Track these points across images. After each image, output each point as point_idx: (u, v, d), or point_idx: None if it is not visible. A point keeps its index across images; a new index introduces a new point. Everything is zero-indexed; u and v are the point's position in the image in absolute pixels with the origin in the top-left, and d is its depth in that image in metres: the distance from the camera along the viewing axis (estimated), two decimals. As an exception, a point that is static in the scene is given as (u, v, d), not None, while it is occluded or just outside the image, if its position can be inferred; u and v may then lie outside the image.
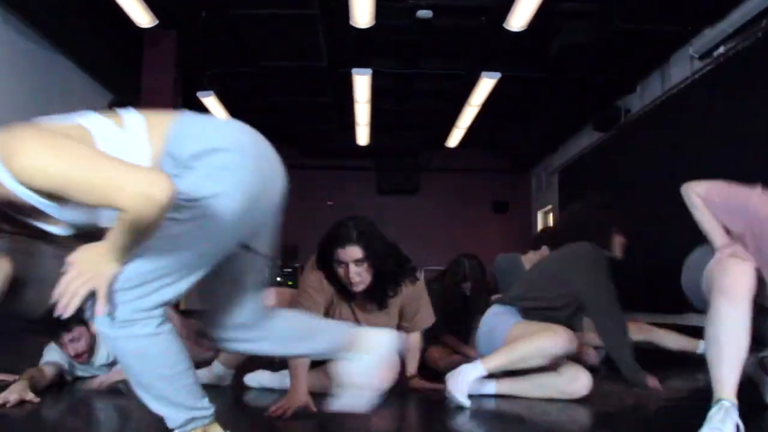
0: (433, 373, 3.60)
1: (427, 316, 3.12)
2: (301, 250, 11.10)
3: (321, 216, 12.59)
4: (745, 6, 5.64)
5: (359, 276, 2.61)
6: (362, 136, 10.69)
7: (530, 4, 6.04)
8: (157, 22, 6.42)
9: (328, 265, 2.68)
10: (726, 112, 5.92)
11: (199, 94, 8.61)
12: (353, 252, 2.58)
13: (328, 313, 2.79)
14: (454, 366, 3.69)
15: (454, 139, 11.00)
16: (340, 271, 2.63)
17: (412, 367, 3.09)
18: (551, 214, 12.12)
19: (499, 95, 8.89)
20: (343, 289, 2.72)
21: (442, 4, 6.73)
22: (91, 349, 3.22)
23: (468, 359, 3.74)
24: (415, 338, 3.14)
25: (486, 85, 8.24)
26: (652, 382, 2.88)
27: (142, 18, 6.29)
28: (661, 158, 7.21)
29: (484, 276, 4.45)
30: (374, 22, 6.40)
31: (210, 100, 8.79)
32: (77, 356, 3.17)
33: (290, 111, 9.47)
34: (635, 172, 7.87)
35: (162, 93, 7.28)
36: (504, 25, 6.48)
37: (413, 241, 13.63)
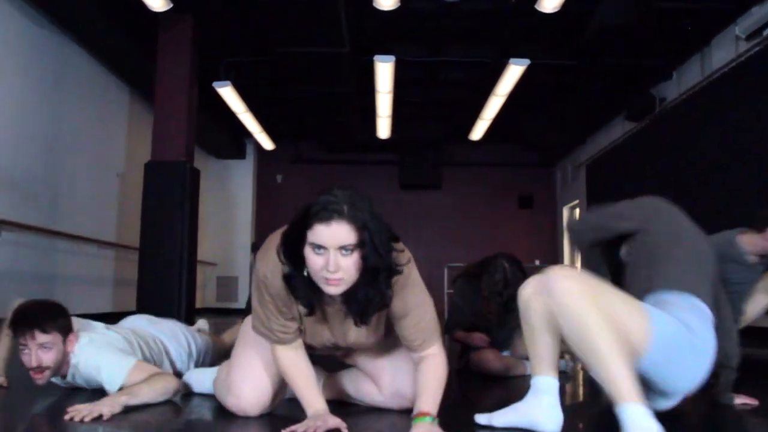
0: (480, 379, 3.21)
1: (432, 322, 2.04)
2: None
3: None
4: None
5: (342, 271, 1.73)
6: (383, 128, 10.36)
7: (565, -18, 5.70)
8: (171, 5, 6.13)
9: (294, 253, 1.79)
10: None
11: (215, 84, 8.33)
12: (341, 232, 1.70)
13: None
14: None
15: (478, 132, 10.63)
16: (315, 260, 1.73)
17: (425, 403, 1.90)
18: (578, 210, 11.74)
19: (525, 85, 8.52)
20: (305, 291, 1.86)
21: (471, -16, 6.39)
22: (57, 368, 2.42)
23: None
24: (435, 362, 2.01)
25: (513, 72, 7.87)
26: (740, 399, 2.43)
27: (156, 1, 6.01)
28: (699, 151, 6.83)
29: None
30: (399, 4, 6.06)
31: (226, 91, 8.50)
32: (36, 371, 2.35)
33: (310, 102, 9.17)
34: (670, 166, 7.50)
35: (178, 80, 6.99)
36: (536, 7, 6.12)
37: (436, 238, 13.46)
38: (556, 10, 6.15)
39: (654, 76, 7.82)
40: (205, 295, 12.01)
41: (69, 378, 2.52)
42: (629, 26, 6.48)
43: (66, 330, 2.40)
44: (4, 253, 5.84)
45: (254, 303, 1.99)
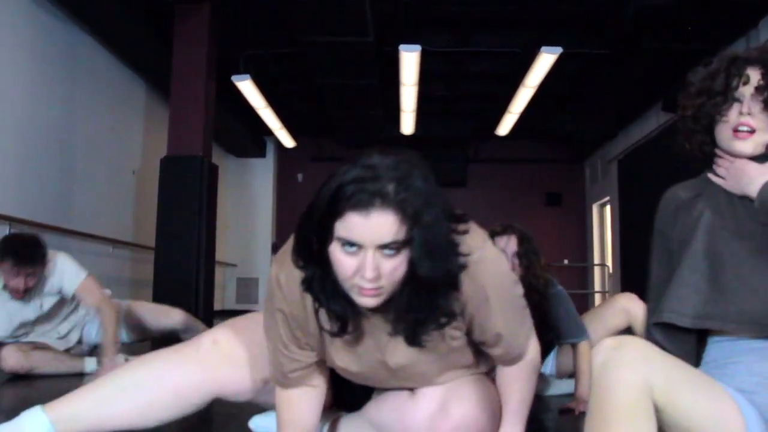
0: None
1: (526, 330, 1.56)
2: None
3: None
4: None
5: (384, 278, 1.24)
6: (407, 124, 10.03)
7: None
8: (187, -7, 5.86)
9: (315, 254, 1.29)
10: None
11: (234, 78, 8.04)
12: (384, 225, 1.19)
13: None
14: None
15: (505, 127, 10.26)
16: (345, 262, 1.23)
17: (509, 423, 1.57)
18: (608, 207, 11.33)
19: (556, 76, 8.15)
20: (334, 302, 1.34)
21: (502, -35, 6.05)
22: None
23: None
24: (527, 362, 1.59)
25: (545, 61, 7.49)
26: None
27: (171, -13, 5.74)
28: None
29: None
30: (426, -13, 5.74)
31: (246, 85, 8.20)
32: (18, 292, 3.24)
33: (332, 96, 8.85)
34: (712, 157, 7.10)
35: (194, 73, 6.72)
36: (571, -13, 5.77)
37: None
38: (593, -9, 5.80)
39: (694, 61, 7.40)
40: (225, 297, 11.75)
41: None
42: (669, 7, 6.11)
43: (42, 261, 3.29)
44: (14, 252, 5.58)
45: (264, 328, 1.52)
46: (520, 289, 1.52)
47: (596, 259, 12.09)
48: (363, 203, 1.17)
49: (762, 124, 1.48)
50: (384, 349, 1.44)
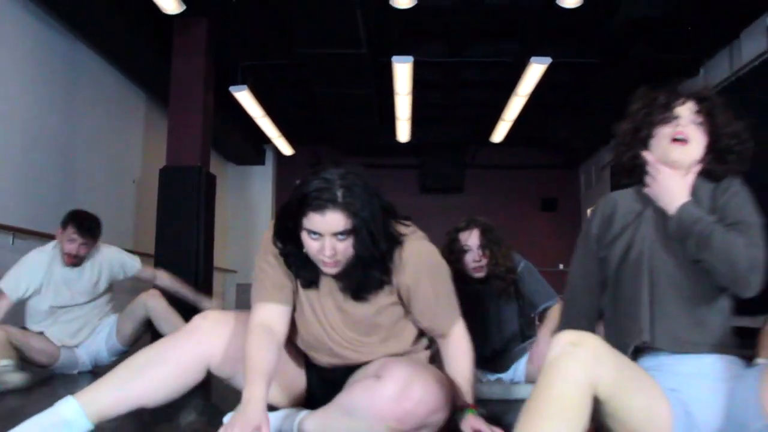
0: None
1: (451, 308, 1.98)
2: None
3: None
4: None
5: (339, 254, 1.76)
6: (403, 131, 10.21)
7: (587, -25, 5.50)
8: (184, 8, 6.03)
9: (291, 235, 1.83)
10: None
11: (231, 88, 8.22)
12: (335, 220, 1.71)
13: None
14: None
15: (499, 134, 10.43)
16: (312, 244, 1.76)
17: (468, 395, 1.91)
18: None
19: (547, 84, 8.33)
20: (303, 270, 1.89)
21: (490, -21, 6.23)
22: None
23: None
24: (458, 342, 1.98)
25: (535, 71, 7.67)
26: None
27: (169, 4, 5.91)
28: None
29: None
30: (416, 2, 5.90)
31: (243, 95, 8.38)
32: (71, 257, 3.77)
33: (329, 105, 9.02)
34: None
35: (192, 84, 6.90)
36: (557, 2, 5.93)
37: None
38: (578, 4, 5.95)
39: (680, 72, 7.57)
40: (225, 303, 11.89)
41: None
42: (655, 19, 6.28)
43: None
44: (17, 260, 5.75)
45: (256, 266, 2.00)
46: (445, 274, 1.95)
47: (591, 264, 12.23)
48: (320, 207, 1.70)
49: (694, 139, 1.67)
50: (341, 304, 1.91)
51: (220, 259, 9.11)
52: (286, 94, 9.66)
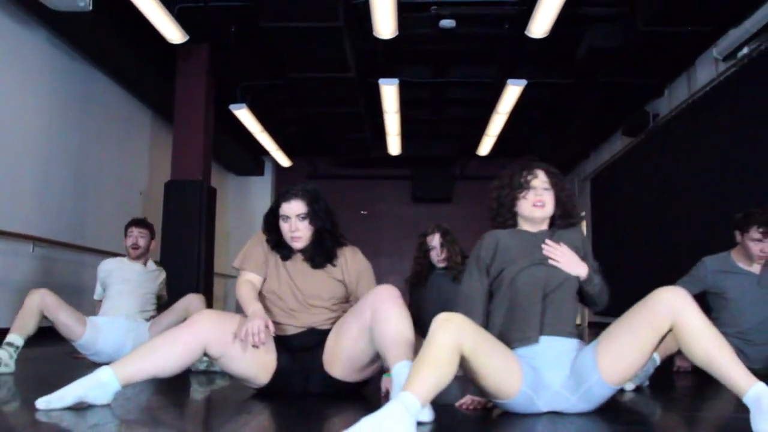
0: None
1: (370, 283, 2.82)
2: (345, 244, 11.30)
3: (356, 225, 12.87)
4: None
5: (300, 231, 2.68)
6: (394, 146, 10.83)
7: (550, 11, 6.08)
8: (187, 38, 6.64)
9: (274, 223, 2.76)
10: (752, 114, 5.89)
11: (231, 107, 8.86)
12: (297, 206, 2.68)
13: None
14: None
15: (485, 148, 11.05)
16: (284, 226, 2.70)
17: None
18: (584, 222, 12.06)
19: (528, 102, 8.97)
20: (281, 248, 2.77)
21: (464, 12, 6.85)
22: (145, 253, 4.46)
23: None
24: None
25: (512, 92, 8.29)
26: None
27: (173, 34, 6.52)
28: (689, 163, 7.18)
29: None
30: (397, 33, 6.51)
31: (243, 113, 9.02)
32: (135, 248, 4.38)
33: (323, 121, 9.63)
34: (666, 178, 7.85)
35: (195, 105, 7.54)
36: (526, 33, 6.53)
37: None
38: (545, 35, 6.55)
39: (647, 93, 8.18)
40: (226, 307, 12.49)
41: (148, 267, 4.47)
42: (616, 49, 6.89)
43: (152, 236, 4.51)
44: (37, 266, 6.39)
45: (247, 245, 2.84)
46: (367, 265, 2.87)
47: (575, 271, 12.79)
48: (287, 198, 2.71)
49: (548, 202, 2.43)
50: (305, 271, 2.75)
51: (221, 264, 9.71)
52: (282, 111, 10.29)
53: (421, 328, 2.59)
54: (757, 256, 3.62)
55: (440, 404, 2.14)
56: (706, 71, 6.91)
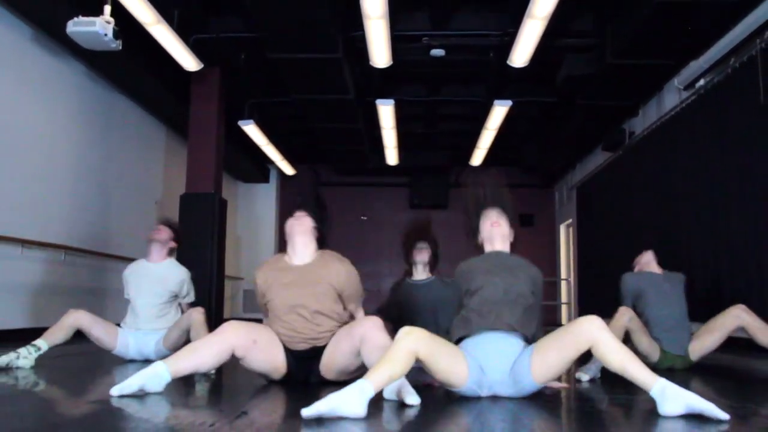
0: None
1: (355, 290, 3.44)
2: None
3: (356, 230, 13.59)
4: (722, 42, 6.29)
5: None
6: (391, 157, 11.55)
7: (529, 43, 6.75)
8: (202, 65, 7.34)
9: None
10: (708, 137, 6.59)
11: (240, 123, 9.58)
12: (302, 214, 3.40)
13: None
14: None
15: (477, 158, 11.75)
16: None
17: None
18: (571, 229, 12.76)
19: (517, 117, 9.69)
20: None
21: (453, 43, 7.53)
22: (168, 251, 4.87)
23: None
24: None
25: (499, 111, 9.00)
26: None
27: (189, 63, 7.23)
28: (661, 176, 7.88)
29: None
30: (392, 62, 7.21)
31: (250, 128, 9.75)
32: (154, 240, 4.76)
33: (324, 135, 10.37)
34: (642, 188, 8.53)
35: (207, 124, 8.27)
36: (508, 62, 7.22)
37: (445, 253, 14.48)
38: (525, 65, 7.25)
39: (623, 113, 8.89)
40: (233, 306, 13.23)
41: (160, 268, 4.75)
42: (591, 76, 7.59)
43: (175, 236, 4.94)
44: (68, 272, 7.12)
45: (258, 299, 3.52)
46: (356, 276, 3.41)
47: (563, 274, 13.53)
48: (294, 209, 3.42)
49: (504, 224, 3.06)
50: (304, 282, 3.29)
51: (229, 267, 10.43)
52: (287, 125, 11.03)
53: (402, 323, 3.25)
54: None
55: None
56: (672, 97, 7.62)
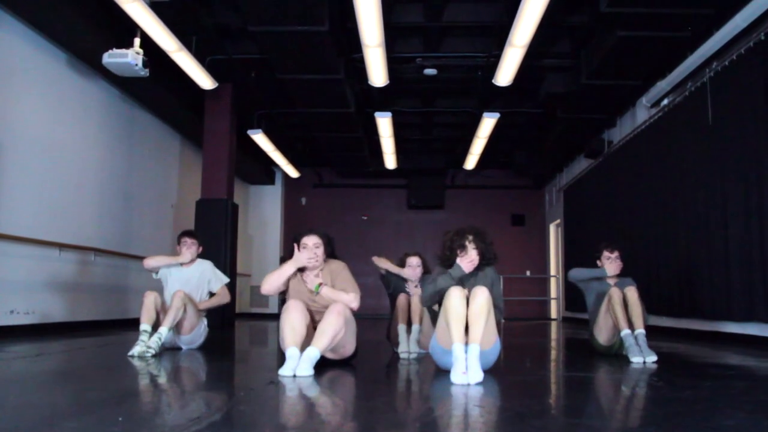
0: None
1: (347, 285, 4.09)
2: (339, 258, 12.80)
3: (357, 228, 14.38)
4: (680, 68, 7.05)
5: (317, 257, 4.07)
6: (390, 161, 12.33)
7: (512, 64, 7.49)
8: (216, 84, 8.11)
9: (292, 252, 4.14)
10: (673, 150, 7.36)
11: (249, 132, 10.36)
12: (313, 238, 4.09)
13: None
14: None
15: (470, 163, 12.53)
16: (303, 253, 4.06)
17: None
18: (559, 228, 13.54)
19: (506, 125, 10.45)
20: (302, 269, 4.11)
21: (443, 63, 8.31)
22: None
23: None
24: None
25: (488, 123, 9.77)
26: None
27: (205, 83, 7.99)
28: (637, 181, 8.65)
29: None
30: (389, 81, 7.98)
31: (259, 137, 10.54)
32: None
33: (326, 142, 11.15)
34: (622, 192, 9.30)
35: (221, 135, 9.06)
36: (493, 81, 7.98)
37: (439, 251, 15.26)
38: (509, 83, 8.00)
39: (602, 124, 9.66)
40: (241, 302, 14.01)
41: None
42: (569, 93, 8.36)
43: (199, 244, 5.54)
44: (98, 272, 7.93)
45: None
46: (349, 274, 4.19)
47: (552, 271, 14.30)
48: (305, 235, 4.15)
49: (475, 255, 3.80)
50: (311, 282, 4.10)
51: (237, 264, 11.19)
52: (292, 133, 11.82)
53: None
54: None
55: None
56: (642, 113, 8.40)
